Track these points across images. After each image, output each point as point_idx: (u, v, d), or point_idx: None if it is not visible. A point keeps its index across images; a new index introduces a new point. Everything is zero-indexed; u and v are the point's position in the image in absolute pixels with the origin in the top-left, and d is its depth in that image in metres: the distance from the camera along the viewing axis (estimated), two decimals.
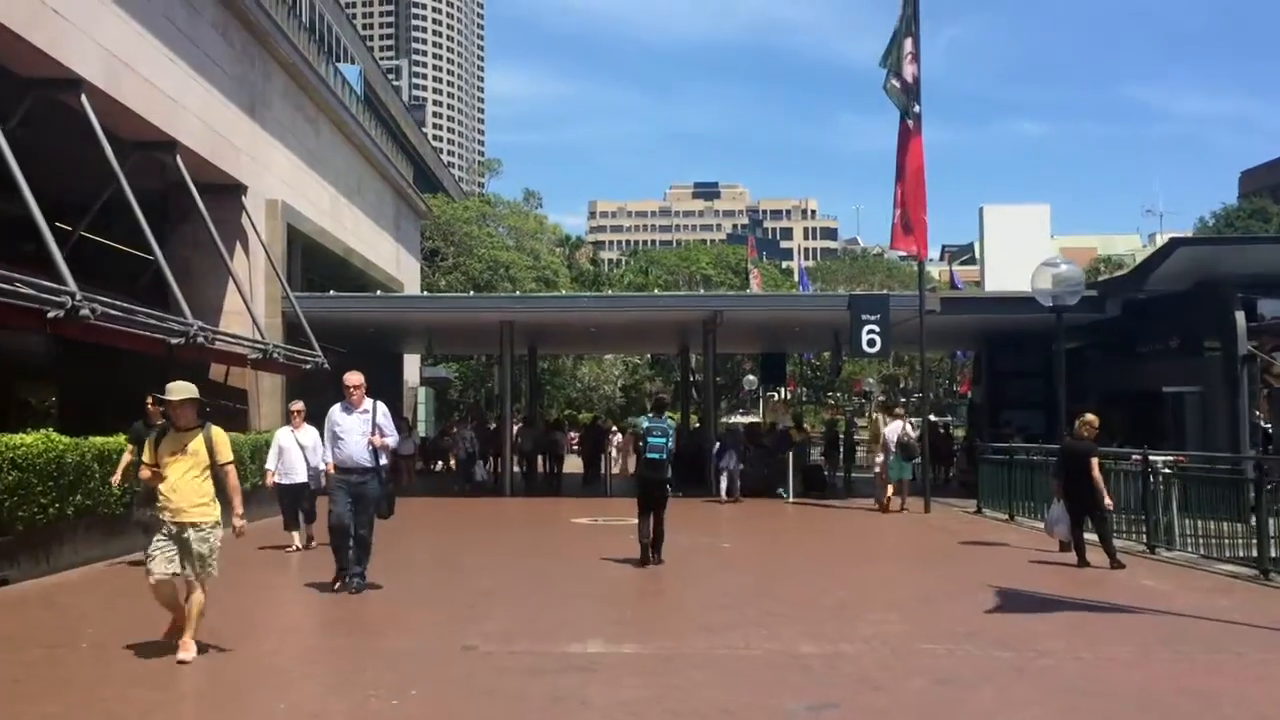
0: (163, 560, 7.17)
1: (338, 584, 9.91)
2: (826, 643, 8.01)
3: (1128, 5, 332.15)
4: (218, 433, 7.49)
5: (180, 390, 7.36)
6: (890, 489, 19.69)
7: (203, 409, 7.50)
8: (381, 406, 10.13)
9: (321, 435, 10.83)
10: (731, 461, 22.15)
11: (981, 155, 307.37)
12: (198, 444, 7.33)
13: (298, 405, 13.48)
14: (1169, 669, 7.42)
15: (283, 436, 13.36)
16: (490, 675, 7.02)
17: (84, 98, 15.25)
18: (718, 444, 22.80)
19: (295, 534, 13.33)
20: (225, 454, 7.43)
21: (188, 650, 7.13)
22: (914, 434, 19.68)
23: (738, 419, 24.39)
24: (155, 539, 7.29)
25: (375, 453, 9.89)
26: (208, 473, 7.36)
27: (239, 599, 9.98)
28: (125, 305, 14.25)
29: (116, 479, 11.39)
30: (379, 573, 11.40)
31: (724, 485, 22.03)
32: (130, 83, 16.50)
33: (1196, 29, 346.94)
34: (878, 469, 20.49)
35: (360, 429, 9.88)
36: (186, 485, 7.23)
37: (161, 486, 7.30)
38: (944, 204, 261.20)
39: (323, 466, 10.78)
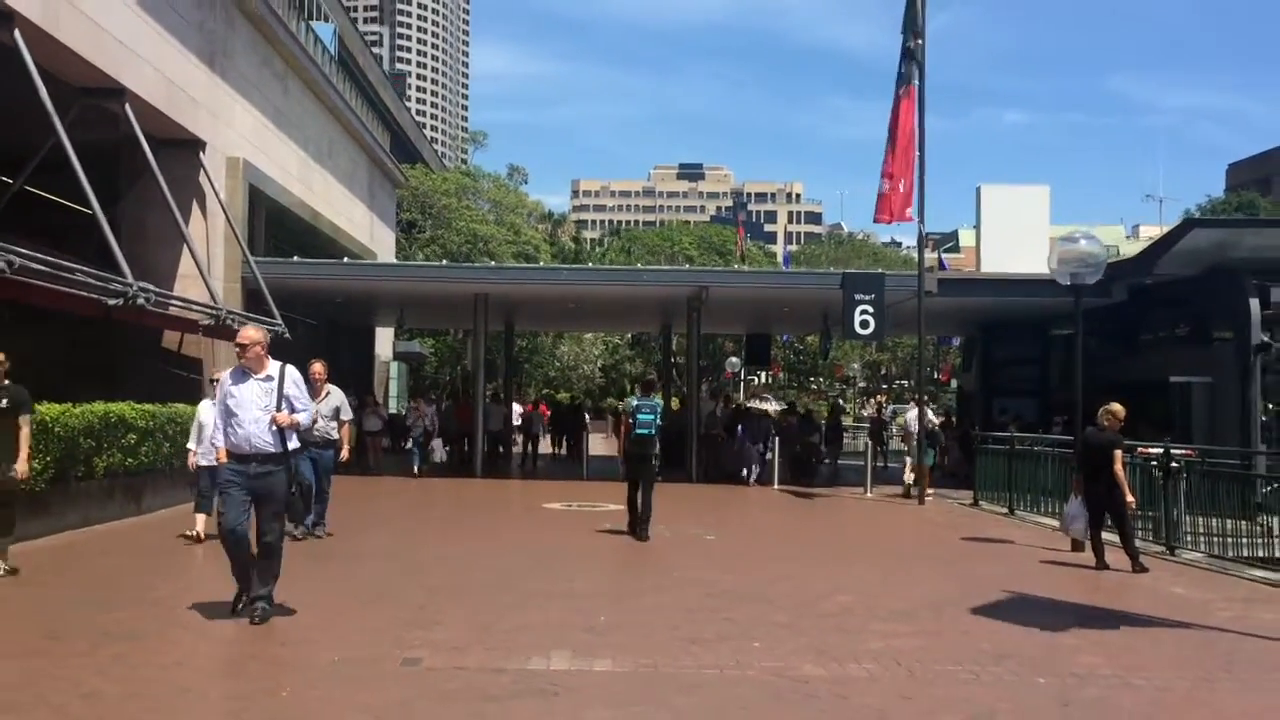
0: None
1: (239, 605, 7.73)
2: (832, 661, 6.85)
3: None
4: None
5: None
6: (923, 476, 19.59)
7: None
8: (292, 373, 7.81)
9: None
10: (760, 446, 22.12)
11: (964, 144, 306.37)
12: None
13: (221, 374, 11.11)
14: (1239, 701, 6.30)
15: (204, 411, 11.26)
16: (431, 702, 5.80)
17: (17, 33, 13.90)
18: (740, 426, 22.75)
19: (201, 517, 11.15)
20: None
21: None
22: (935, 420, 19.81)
23: (755, 404, 24.34)
24: None
25: (282, 434, 7.61)
26: None
27: (146, 592, 8.77)
28: (53, 260, 12.90)
29: None
30: (317, 562, 10.26)
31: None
32: (71, 20, 15.12)
33: (1181, 23, 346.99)
34: (908, 458, 20.31)
35: (260, 402, 7.60)
36: None
37: None
38: (926, 191, 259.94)
39: (215, 449, 8.05)
